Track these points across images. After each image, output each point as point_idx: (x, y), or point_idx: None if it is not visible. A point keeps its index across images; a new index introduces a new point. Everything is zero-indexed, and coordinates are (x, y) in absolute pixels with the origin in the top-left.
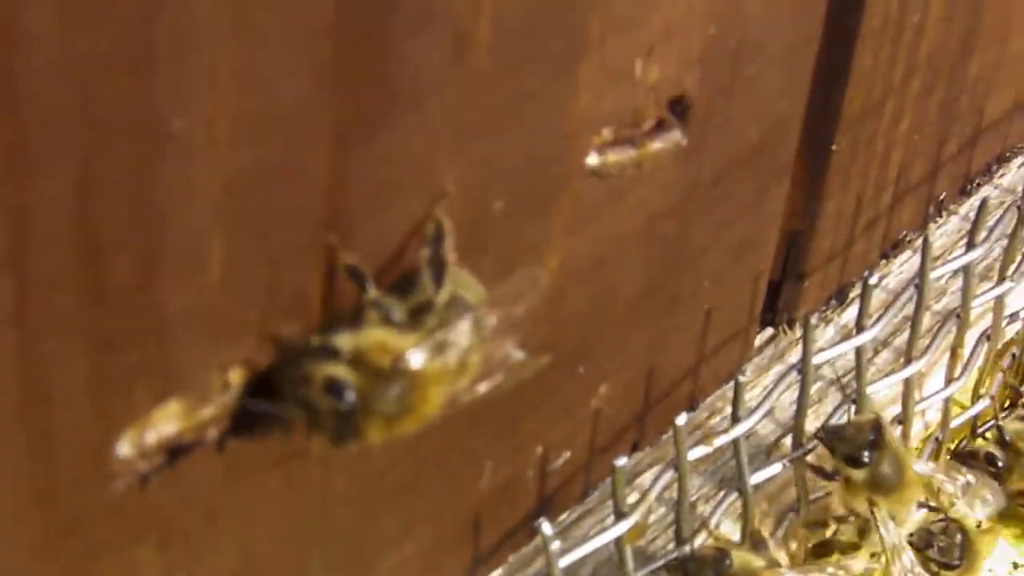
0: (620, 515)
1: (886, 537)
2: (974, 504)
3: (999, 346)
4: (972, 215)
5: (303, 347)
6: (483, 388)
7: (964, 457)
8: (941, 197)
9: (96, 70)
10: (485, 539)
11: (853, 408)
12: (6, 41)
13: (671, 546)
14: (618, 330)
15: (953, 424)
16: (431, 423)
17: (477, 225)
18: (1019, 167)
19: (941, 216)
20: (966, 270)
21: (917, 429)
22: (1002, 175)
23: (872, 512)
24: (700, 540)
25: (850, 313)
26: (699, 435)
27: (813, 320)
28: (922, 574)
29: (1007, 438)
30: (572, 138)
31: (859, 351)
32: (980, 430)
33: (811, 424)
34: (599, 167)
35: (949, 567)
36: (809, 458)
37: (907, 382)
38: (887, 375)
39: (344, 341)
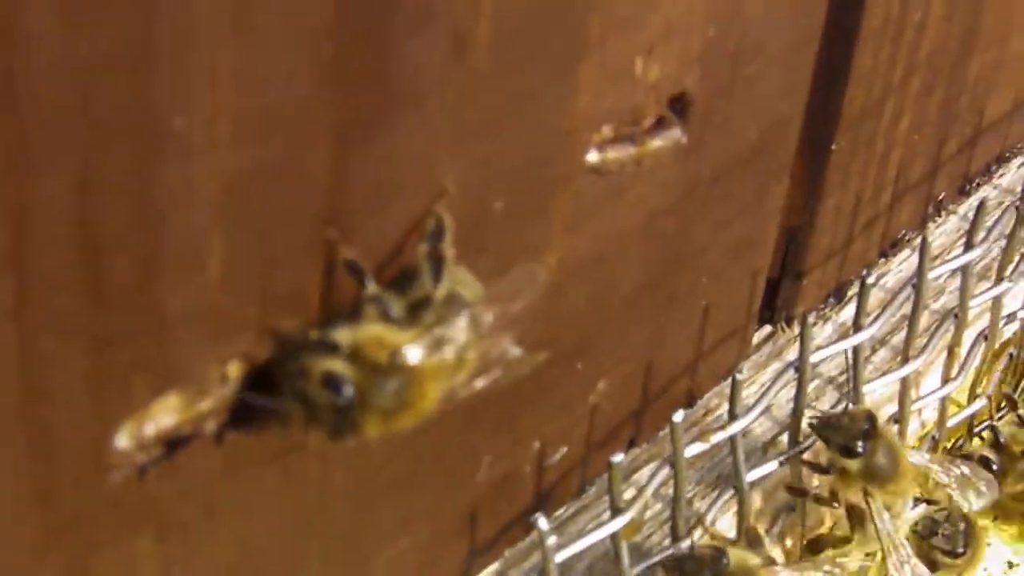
0: (616, 511)
1: (881, 528)
2: (968, 495)
3: (996, 346)
4: (971, 215)
5: (301, 341)
6: (480, 384)
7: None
8: (940, 197)
9: (96, 69)
10: (482, 533)
11: (850, 406)
12: (6, 40)
13: (667, 542)
14: (617, 327)
15: (950, 423)
16: (429, 418)
17: (477, 223)
18: (1018, 167)
19: (940, 216)
20: (964, 270)
21: (913, 428)
22: (1001, 175)
23: (867, 503)
24: (696, 536)
25: (848, 311)
26: (696, 432)
27: (811, 318)
28: (917, 565)
29: (1001, 439)
30: (572, 136)
31: (856, 350)
32: (976, 429)
33: (808, 422)
34: (599, 164)
35: (954, 555)
36: (805, 455)
37: (904, 381)
38: (884, 374)
39: (342, 336)
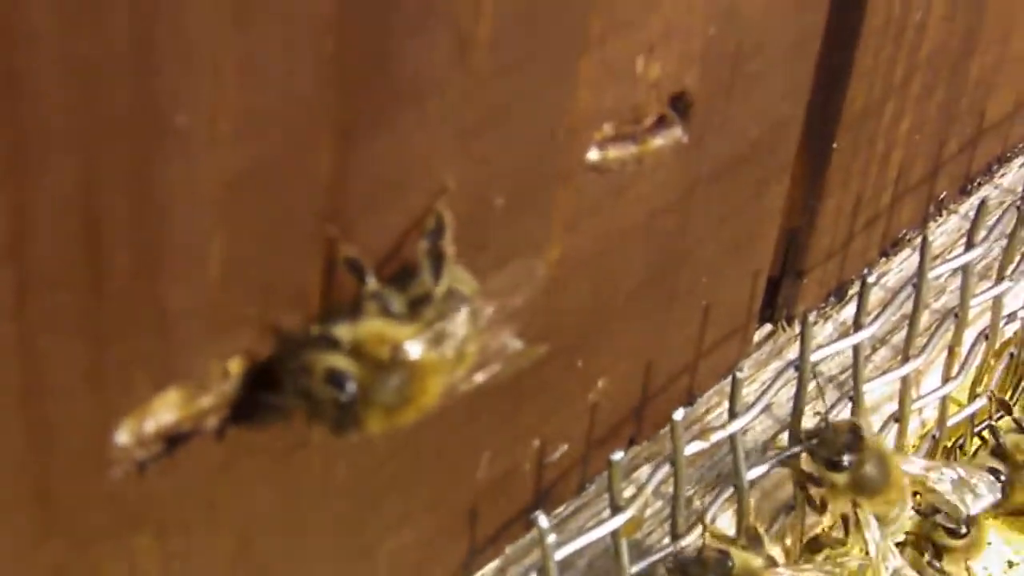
0: (616, 509)
1: (870, 540)
2: (967, 499)
3: (997, 345)
4: (972, 214)
5: (303, 337)
6: (481, 378)
7: None
8: (941, 196)
9: (97, 67)
10: (482, 530)
11: (850, 405)
12: (8, 37)
13: (667, 540)
14: (617, 324)
15: (950, 422)
16: (430, 414)
17: (478, 221)
18: (1019, 167)
19: (941, 215)
20: (965, 269)
21: (914, 427)
22: (1002, 175)
23: (856, 514)
24: (696, 534)
25: (849, 310)
26: (696, 430)
27: (811, 317)
28: (910, 574)
29: (1001, 441)
30: (573, 134)
31: (856, 349)
32: (977, 428)
33: (808, 421)
34: (600, 163)
35: (955, 535)
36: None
37: (904, 380)
38: (885, 372)
39: (344, 332)
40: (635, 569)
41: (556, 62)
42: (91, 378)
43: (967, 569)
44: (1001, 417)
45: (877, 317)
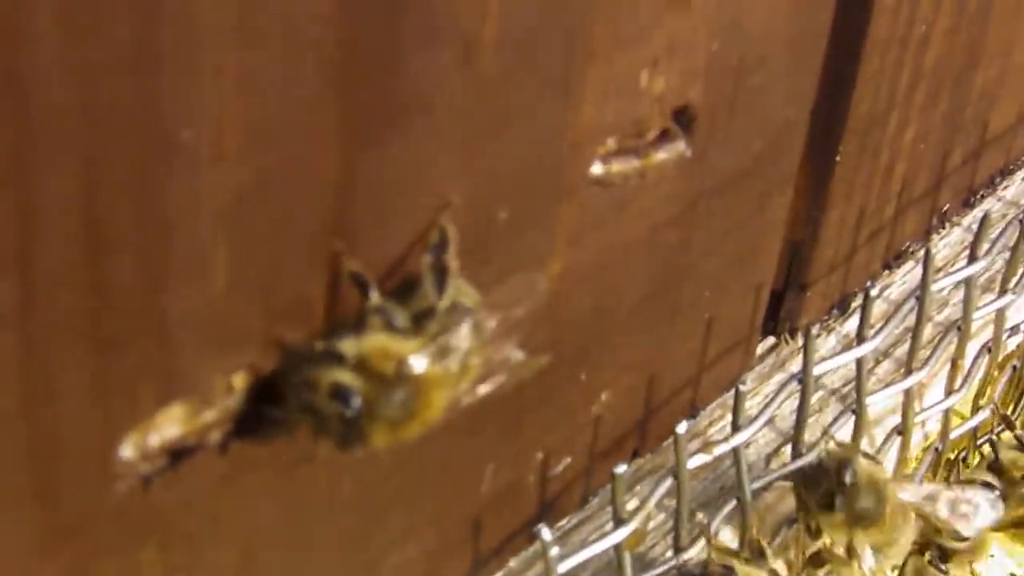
0: (619, 522)
1: (867, 571)
2: (967, 521)
3: (1000, 358)
4: (975, 227)
5: (307, 352)
6: (485, 390)
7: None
8: (944, 208)
9: (102, 78)
10: (486, 543)
11: (853, 418)
12: (13, 48)
13: (670, 553)
14: (620, 338)
15: (953, 435)
16: (434, 427)
17: (481, 234)
18: (1023, 179)
19: (944, 227)
20: (968, 282)
21: (916, 439)
22: (1005, 187)
23: (853, 547)
24: (699, 548)
25: (852, 323)
26: (699, 443)
27: (814, 330)
28: None
29: (998, 455)
30: (577, 148)
31: (859, 362)
32: (980, 441)
33: (812, 434)
34: (603, 177)
35: (960, 538)
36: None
37: (907, 393)
38: (888, 385)
39: (348, 346)
40: None
41: (560, 77)
42: (95, 392)
43: (972, 572)
44: (1003, 431)
45: (880, 330)
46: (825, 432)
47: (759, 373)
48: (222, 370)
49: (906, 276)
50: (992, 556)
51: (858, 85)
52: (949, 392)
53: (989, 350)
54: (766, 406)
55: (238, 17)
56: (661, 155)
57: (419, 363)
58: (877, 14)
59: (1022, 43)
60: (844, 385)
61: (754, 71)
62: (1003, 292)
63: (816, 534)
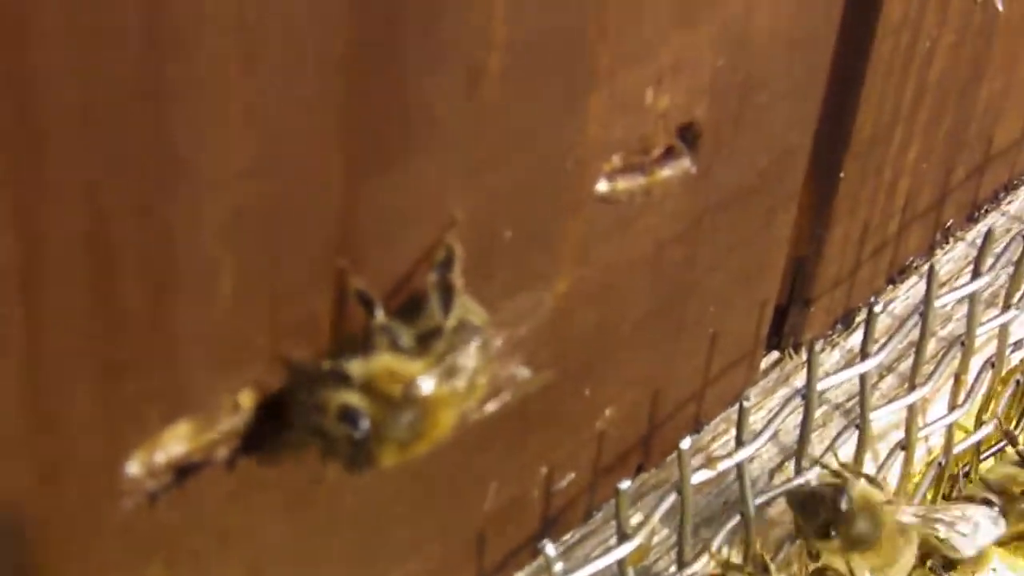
0: (623, 537)
1: None
2: (967, 540)
3: (1003, 373)
4: (979, 241)
5: (314, 372)
6: (491, 407)
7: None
8: (948, 224)
9: (110, 104)
10: (490, 557)
11: (857, 433)
12: (20, 74)
13: (673, 568)
14: (624, 353)
15: (956, 450)
16: (440, 444)
17: (486, 252)
18: None
19: (948, 242)
20: (971, 298)
21: (920, 454)
22: (1009, 202)
23: (851, 571)
24: (702, 562)
25: (856, 337)
26: (703, 458)
27: (818, 345)
28: None
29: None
30: (582, 166)
31: (863, 378)
32: (983, 456)
33: (815, 449)
34: (608, 194)
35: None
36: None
37: (911, 408)
38: (891, 401)
39: (355, 367)
40: None
41: (565, 95)
42: (102, 410)
43: None
44: (1005, 446)
45: (884, 345)
46: (829, 447)
47: (763, 388)
48: (228, 388)
49: (910, 291)
50: (995, 570)
51: (862, 102)
52: (952, 407)
53: (992, 365)
54: (770, 421)
55: (245, 43)
56: (666, 172)
57: (426, 384)
58: (882, 30)
59: None
60: (848, 400)
61: (759, 88)
62: (1007, 307)
63: (816, 557)
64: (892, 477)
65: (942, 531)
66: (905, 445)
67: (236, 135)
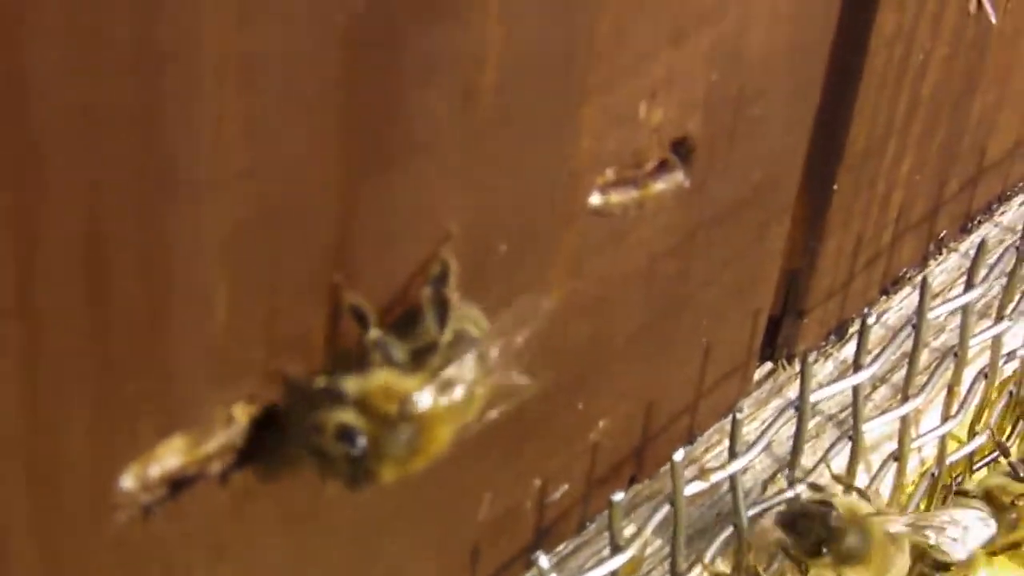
0: (616, 548)
1: None
2: (958, 544)
3: (996, 384)
4: (972, 252)
5: (309, 389)
6: (490, 417)
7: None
8: (941, 235)
9: (104, 118)
10: (483, 569)
11: (850, 444)
12: (17, 88)
13: None
14: (618, 366)
15: (949, 460)
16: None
17: (481, 266)
18: (1019, 205)
19: (941, 253)
20: (965, 309)
21: (913, 465)
22: (1003, 213)
23: None
24: (695, 574)
25: (849, 348)
26: (696, 469)
27: (812, 356)
28: None
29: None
30: (575, 179)
31: (856, 390)
32: (976, 466)
33: (808, 460)
34: (602, 207)
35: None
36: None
37: (904, 419)
38: (884, 412)
39: (350, 384)
40: None
41: (559, 109)
42: (96, 423)
43: None
44: (998, 457)
45: (877, 356)
46: (823, 459)
47: (756, 399)
48: (223, 401)
49: (903, 301)
50: None
51: (856, 114)
52: (946, 418)
53: (986, 376)
54: (763, 432)
55: (241, 56)
56: (660, 186)
57: (422, 401)
58: (875, 43)
59: (1019, 70)
60: (841, 411)
61: (753, 102)
62: (1000, 318)
63: (806, 572)
64: (885, 488)
65: (932, 537)
66: (898, 456)
67: (231, 148)
